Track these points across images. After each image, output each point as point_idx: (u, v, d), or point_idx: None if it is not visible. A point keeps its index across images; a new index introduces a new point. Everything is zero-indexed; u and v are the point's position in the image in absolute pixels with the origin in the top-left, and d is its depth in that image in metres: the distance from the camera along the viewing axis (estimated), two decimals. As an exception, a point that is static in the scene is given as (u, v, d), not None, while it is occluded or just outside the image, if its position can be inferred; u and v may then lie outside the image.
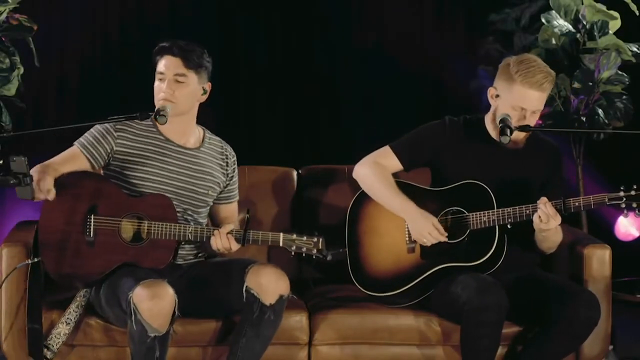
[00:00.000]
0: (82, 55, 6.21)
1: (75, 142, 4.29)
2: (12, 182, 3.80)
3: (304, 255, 4.17)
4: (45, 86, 6.13)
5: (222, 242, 4.16)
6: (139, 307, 3.94)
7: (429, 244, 4.33)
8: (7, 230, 4.66)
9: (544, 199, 4.22)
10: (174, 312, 3.99)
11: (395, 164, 4.48)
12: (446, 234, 4.32)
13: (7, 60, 5.25)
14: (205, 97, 4.36)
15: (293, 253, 4.18)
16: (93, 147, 4.26)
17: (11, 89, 5.29)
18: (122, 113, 4.33)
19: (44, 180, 4.05)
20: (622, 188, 4.20)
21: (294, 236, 4.17)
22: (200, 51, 4.33)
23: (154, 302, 3.94)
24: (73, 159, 4.24)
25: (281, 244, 4.17)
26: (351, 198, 4.61)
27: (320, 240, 4.16)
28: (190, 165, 4.33)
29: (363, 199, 4.53)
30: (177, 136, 4.34)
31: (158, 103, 4.27)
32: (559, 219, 4.22)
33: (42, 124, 5.88)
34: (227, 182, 4.45)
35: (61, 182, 4.15)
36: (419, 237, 4.34)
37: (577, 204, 4.23)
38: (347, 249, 4.51)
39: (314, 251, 4.16)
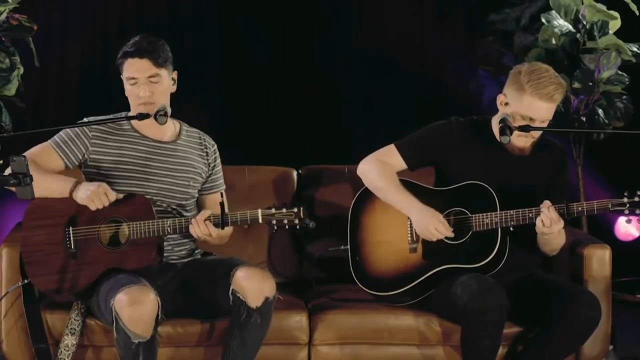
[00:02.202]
0: (82, 55, 6.21)
1: (50, 140, 4.29)
2: (12, 182, 3.79)
3: (287, 228, 4.11)
4: (45, 86, 6.14)
5: (201, 229, 4.13)
6: (120, 314, 3.93)
7: (434, 240, 4.32)
8: (7, 230, 4.66)
9: (547, 203, 4.21)
10: (158, 315, 3.97)
11: (400, 163, 4.47)
12: (452, 229, 4.31)
13: (7, 60, 5.25)
14: (175, 86, 4.33)
15: (275, 228, 4.12)
16: (67, 146, 4.26)
17: (11, 89, 5.29)
18: (122, 112, 4.34)
19: (109, 192, 4.10)
20: (625, 194, 4.18)
21: (273, 210, 4.12)
22: (162, 44, 4.28)
23: (134, 308, 3.92)
24: (47, 156, 4.24)
25: (261, 221, 4.12)
26: (351, 198, 4.60)
27: (301, 209, 4.11)
28: (168, 159, 4.32)
29: (365, 197, 4.53)
30: (152, 132, 4.32)
31: (138, 108, 4.23)
32: (561, 224, 4.21)
33: (42, 124, 5.88)
34: (210, 172, 4.42)
35: (37, 202, 4.16)
36: (425, 233, 4.33)
37: (580, 209, 4.22)
38: (348, 247, 4.51)
39: (296, 221, 4.10)
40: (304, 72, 6.41)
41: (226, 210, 4.14)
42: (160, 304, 3.97)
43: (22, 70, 5.32)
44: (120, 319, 3.94)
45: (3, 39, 5.28)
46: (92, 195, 4.09)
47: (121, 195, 4.15)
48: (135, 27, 6.21)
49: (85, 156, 4.27)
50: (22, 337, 4.27)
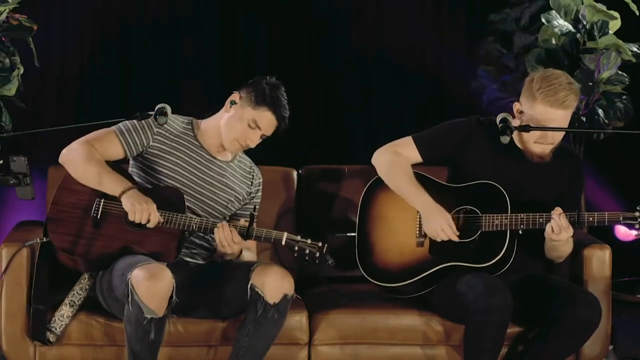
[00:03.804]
0: (82, 55, 6.21)
1: (114, 127, 4.32)
2: (12, 182, 3.79)
3: (307, 257, 4.18)
4: (45, 86, 6.14)
5: (225, 233, 4.17)
6: (137, 288, 3.96)
7: (438, 240, 4.32)
8: (7, 231, 4.66)
9: (558, 210, 4.20)
10: (172, 296, 4.00)
11: (415, 155, 4.45)
12: (458, 234, 4.31)
13: (7, 60, 5.25)
14: None
15: (296, 255, 4.19)
16: (130, 136, 4.30)
17: (11, 89, 5.29)
18: (121, 113, 4.34)
19: (153, 214, 4.13)
20: (638, 208, 4.17)
21: (298, 237, 4.19)
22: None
23: (151, 282, 3.95)
24: (108, 141, 4.29)
25: (283, 243, 4.18)
26: (351, 198, 4.61)
27: (325, 246, 4.18)
28: (217, 176, 4.38)
29: (377, 187, 4.51)
30: (212, 147, 4.40)
31: (233, 143, 4.32)
32: (571, 231, 4.20)
33: (42, 124, 5.88)
34: (248, 200, 4.48)
35: None
36: (431, 231, 4.32)
37: (591, 219, 4.21)
38: (356, 234, 4.51)
39: (317, 255, 4.17)
40: (303, 73, 6.41)
41: (254, 225, 4.20)
42: (175, 285, 4.00)
43: (22, 70, 5.32)
44: (135, 292, 3.96)
45: (3, 39, 5.27)
46: (137, 208, 4.12)
47: (162, 219, 4.17)
48: (135, 26, 6.22)
49: (145, 148, 4.32)
50: (22, 336, 4.27)
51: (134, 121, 4.32)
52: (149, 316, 3.97)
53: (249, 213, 4.42)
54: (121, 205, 4.18)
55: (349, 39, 6.43)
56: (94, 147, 4.24)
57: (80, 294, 4.24)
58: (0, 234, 5.55)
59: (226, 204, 4.40)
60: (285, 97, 4.36)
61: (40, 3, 6.01)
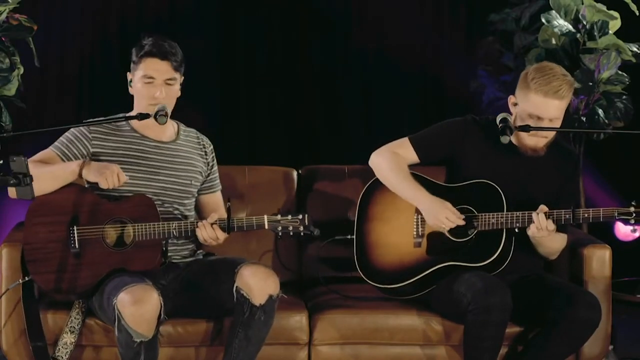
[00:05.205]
0: (82, 55, 6.22)
1: (51, 146, 4.31)
2: (12, 182, 3.79)
3: (291, 234, 4.18)
4: (45, 86, 6.14)
5: (208, 232, 4.16)
6: (123, 313, 3.94)
7: (447, 229, 4.31)
8: (7, 230, 4.66)
9: (543, 208, 4.21)
10: (160, 315, 3.98)
11: (412, 156, 4.46)
12: (463, 217, 4.31)
13: (7, 60, 5.24)
14: (179, 91, 4.36)
15: (280, 234, 4.18)
16: (68, 150, 4.28)
17: (11, 89, 5.28)
18: (121, 113, 4.35)
19: (121, 174, 4.12)
20: (633, 203, 4.18)
21: (279, 217, 4.18)
22: (179, 48, 4.30)
23: (136, 307, 3.93)
24: (50, 161, 4.25)
25: (266, 227, 4.17)
26: (351, 198, 4.60)
27: (306, 217, 4.18)
28: (169, 158, 4.35)
29: (374, 188, 4.52)
30: (152, 132, 4.35)
31: (148, 107, 4.24)
32: (552, 228, 4.20)
33: (42, 124, 5.88)
34: (209, 171, 4.46)
35: (40, 198, 4.16)
36: (437, 222, 4.31)
37: (586, 215, 4.22)
38: (354, 237, 4.51)
39: (301, 228, 4.17)
40: (303, 72, 6.41)
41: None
42: (162, 304, 3.98)
43: (22, 70, 5.32)
44: (122, 317, 3.94)
45: (3, 39, 5.27)
46: (107, 174, 4.10)
47: (127, 178, 4.15)
48: (136, 26, 6.22)
49: (87, 158, 4.28)
50: (22, 336, 4.27)
51: (68, 135, 4.30)
52: (138, 340, 3.96)
53: (214, 184, 4.42)
54: (96, 228, 4.15)
55: (349, 39, 6.43)
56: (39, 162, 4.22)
57: (78, 318, 4.22)
58: (0, 234, 5.55)
59: (189, 181, 4.36)
60: (164, 39, 4.26)
61: (40, 3, 6.02)
